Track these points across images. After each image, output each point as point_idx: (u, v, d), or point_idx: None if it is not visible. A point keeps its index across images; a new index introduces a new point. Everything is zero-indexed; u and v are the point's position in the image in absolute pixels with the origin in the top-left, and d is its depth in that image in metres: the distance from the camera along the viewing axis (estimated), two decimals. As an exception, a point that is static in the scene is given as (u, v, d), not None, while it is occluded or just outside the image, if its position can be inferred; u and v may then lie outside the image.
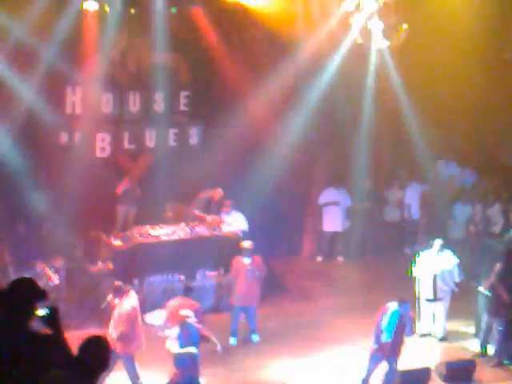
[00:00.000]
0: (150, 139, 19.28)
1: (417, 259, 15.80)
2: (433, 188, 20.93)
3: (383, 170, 21.43)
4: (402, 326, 13.11)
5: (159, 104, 19.14)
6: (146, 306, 16.44)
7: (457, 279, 15.58)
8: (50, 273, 15.68)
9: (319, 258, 20.49)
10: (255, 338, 15.44)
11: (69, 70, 17.50)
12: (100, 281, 16.19)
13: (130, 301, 13.11)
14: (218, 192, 18.32)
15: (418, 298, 15.61)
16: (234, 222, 17.95)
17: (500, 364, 14.54)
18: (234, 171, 18.49)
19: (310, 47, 19.21)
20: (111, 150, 18.80)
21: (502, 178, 20.68)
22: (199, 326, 12.54)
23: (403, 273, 16.54)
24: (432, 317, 15.76)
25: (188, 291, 14.03)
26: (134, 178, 18.51)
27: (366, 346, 13.41)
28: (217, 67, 18.85)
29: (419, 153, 20.47)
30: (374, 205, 21.02)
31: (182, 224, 17.78)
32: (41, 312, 5.80)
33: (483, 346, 14.88)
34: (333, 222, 20.27)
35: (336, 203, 20.19)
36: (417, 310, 15.46)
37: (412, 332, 14.22)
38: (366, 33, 19.38)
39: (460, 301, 15.73)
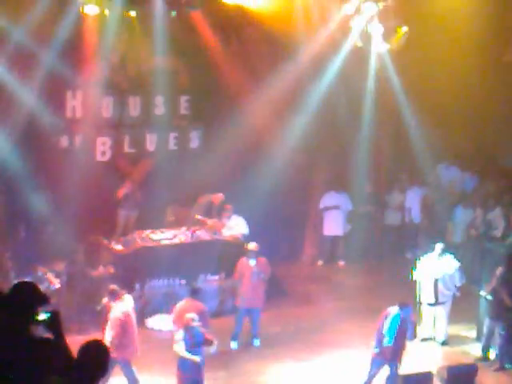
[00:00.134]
0: (151, 143, 19.29)
1: (418, 263, 15.78)
2: (434, 192, 20.89)
3: (384, 173, 21.41)
4: (404, 330, 13.10)
5: (159, 108, 19.15)
6: (148, 310, 16.47)
7: (458, 283, 15.55)
8: (51, 277, 15.67)
9: (320, 262, 20.47)
10: (256, 342, 15.43)
11: (69, 73, 17.49)
12: (101, 285, 16.14)
13: (124, 305, 13.07)
14: (219, 196, 18.31)
15: (420, 302, 15.58)
16: (235, 226, 17.93)
17: (502, 368, 14.52)
18: (235, 175, 18.48)
19: (309, 50, 19.20)
20: (112, 153, 18.80)
21: (503, 182, 20.64)
22: (203, 329, 12.52)
23: (404, 277, 16.51)
24: (433, 321, 15.73)
25: (195, 293, 13.99)
26: (134, 182, 18.49)
27: (368, 350, 13.39)
28: (217, 71, 18.84)
29: (420, 156, 20.45)
30: (375, 209, 21.00)
31: (183, 228, 17.78)
32: (42, 316, 5.78)
33: (485, 350, 14.87)
34: (334, 226, 20.27)
35: (337, 207, 20.19)
36: (418, 314, 15.43)
37: (413, 336, 14.23)
38: (366, 36, 19.39)
39: (461, 305, 15.72)
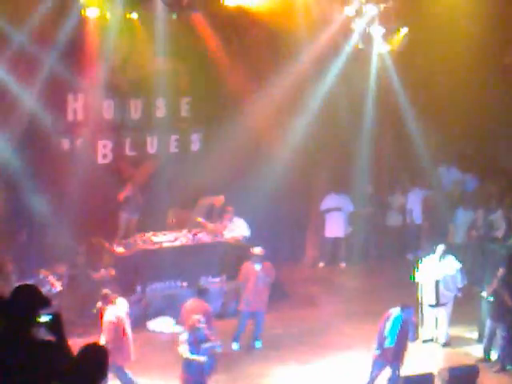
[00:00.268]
0: (152, 146, 19.29)
1: (419, 265, 15.78)
2: (436, 193, 20.87)
3: (385, 175, 21.40)
4: (405, 332, 13.10)
5: (160, 110, 19.16)
6: (149, 312, 16.47)
7: (459, 284, 15.56)
8: (53, 280, 15.67)
9: (321, 264, 20.47)
10: (258, 344, 15.43)
11: (70, 76, 17.50)
12: (103, 287, 16.15)
13: (116, 309, 13.07)
14: (220, 198, 18.32)
15: (421, 304, 15.58)
16: (236, 229, 17.94)
17: (503, 369, 14.52)
18: (236, 177, 18.47)
19: (311, 52, 19.21)
20: (113, 156, 18.81)
21: (504, 183, 20.64)
22: (208, 332, 12.52)
23: (406, 278, 16.52)
24: (435, 322, 15.73)
25: (201, 293, 13.99)
26: (135, 185, 18.49)
27: (370, 351, 13.38)
28: (218, 73, 18.84)
29: (421, 158, 20.45)
30: (376, 210, 21.00)
31: (185, 230, 17.78)
32: (44, 319, 5.78)
33: (486, 351, 14.86)
34: (335, 227, 20.26)
35: (338, 209, 20.18)
36: (420, 315, 15.43)
37: (415, 337, 14.23)
38: (367, 37, 19.40)
39: (463, 306, 15.71)
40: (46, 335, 5.84)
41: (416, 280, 15.71)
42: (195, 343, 12.29)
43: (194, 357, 12.25)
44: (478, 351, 15.14)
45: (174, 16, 17.61)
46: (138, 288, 16.68)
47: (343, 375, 14.17)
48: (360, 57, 19.60)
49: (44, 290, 14.08)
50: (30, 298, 5.91)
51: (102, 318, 13.12)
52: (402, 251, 20.72)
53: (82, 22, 17.13)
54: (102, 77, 18.02)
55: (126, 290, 16.48)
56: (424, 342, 15.65)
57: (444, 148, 21.12)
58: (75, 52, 17.35)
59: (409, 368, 13.39)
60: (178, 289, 16.95)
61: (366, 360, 13.51)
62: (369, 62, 19.78)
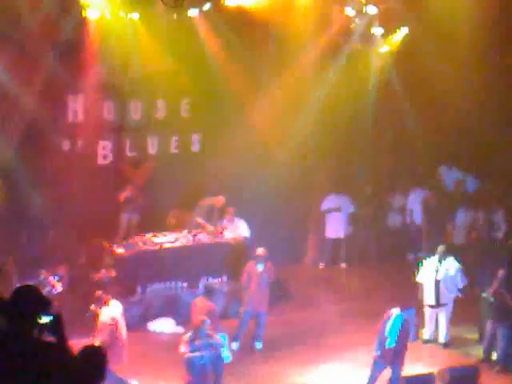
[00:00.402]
0: (152, 146, 19.30)
1: (420, 265, 15.79)
2: (437, 193, 20.85)
3: (385, 175, 21.39)
4: (405, 332, 13.10)
5: (161, 111, 19.17)
6: (149, 313, 16.47)
7: (460, 285, 15.55)
8: (54, 281, 15.68)
9: (322, 265, 20.46)
10: (258, 344, 15.43)
11: (70, 77, 17.50)
12: (103, 288, 16.15)
13: (111, 311, 13.07)
14: (220, 199, 18.31)
15: (422, 304, 15.58)
16: (237, 229, 17.95)
17: (504, 370, 14.50)
18: (236, 178, 18.48)
19: (311, 52, 19.23)
20: (113, 157, 18.81)
21: (505, 184, 20.63)
22: (212, 332, 12.52)
23: (406, 279, 16.53)
24: (435, 323, 15.73)
25: (208, 292, 13.98)
26: (136, 186, 18.49)
27: (371, 352, 13.37)
28: (218, 73, 18.84)
29: (421, 158, 20.45)
30: (377, 211, 20.99)
31: (185, 231, 17.77)
32: (44, 319, 5.78)
33: (487, 352, 14.85)
34: (335, 228, 20.25)
35: (338, 209, 20.17)
36: (420, 316, 15.42)
37: (416, 338, 14.23)
38: (367, 38, 19.42)
39: (463, 307, 15.70)
40: (46, 336, 5.84)
41: (417, 280, 15.71)
42: (197, 343, 12.28)
43: (194, 355, 12.22)
44: (478, 352, 15.12)
45: (174, 16, 17.61)
46: (139, 289, 16.69)
47: (343, 376, 14.16)
48: (360, 57, 19.62)
49: (44, 290, 14.09)
50: (31, 299, 5.90)
51: (96, 320, 13.14)
52: (402, 252, 20.69)
53: (83, 23, 17.14)
54: (102, 78, 18.03)
55: (127, 291, 16.51)
56: (424, 342, 15.66)
57: (444, 148, 21.10)
58: (75, 53, 17.34)
59: (409, 368, 13.39)
60: (179, 290, 16.95)
61: (367, 360, 13.50)
62: (369, 63, 19.80)
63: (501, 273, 14.64)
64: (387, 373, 13.15)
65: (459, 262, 15.69)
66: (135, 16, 17.61)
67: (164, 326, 16.27)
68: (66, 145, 18.20)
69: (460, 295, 15.57)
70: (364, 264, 20.23)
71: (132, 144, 19.07)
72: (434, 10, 19.43)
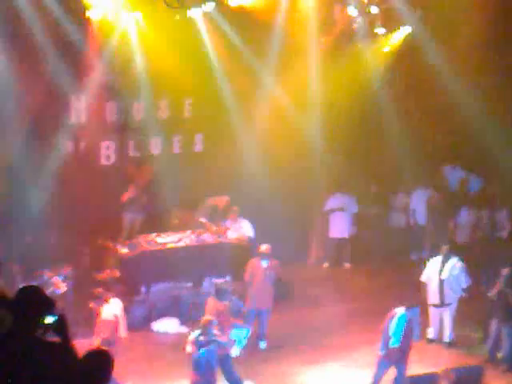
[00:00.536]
0: (155, 147, 19.31)
1: (425, 265, 15.79)
2: (441, 193, 20.82)
3: (389, 175, 21.36)
4: (410, 331, 13.09)
5: (163, 111, 19.16)
6: (153, 313, 16.46)
7: (464, 285, 15.53)
8: (57, 281, 15.68)
9: (326, 265, 20.45)
10: (263, 344, 15.42)
11: (73, 78, 17.50)
12: (107, 289, 16.15)
13: (112, 308, 13.10)
14: (224, 199, 18.31)
15: (426, 304, 15.56)
16: (240, 229, 17.94)
17: (509, 370, 14.47)
18: (239, 178, 18.48)
19: (314, 52, 19.22)
20: (116, 157, 18.81)
21: (509, 183, 20.58)
22: (219, 332, 12.50)
23: (410, 278, 16.52)
24: (440, 322, 15.71)
25: (218, 293, 13.94)
26: (139, 186, 18.50)
27: (375, 351, 13.36)
28: (221, 74, 18.84)
29: (425, 158, 20.42)
30: (380, 211, 20.97)
31: (189, 231, 17.76)
32: (48, 320, 5.78)
33: (492, 351, 14.82)
34: (339, 228, 20.23)
35: (342, 209, 20.14)
36: (424, 315, 15.40)
37: (420, 337, 14.21)
38: (369, 37, 19.43)
39: (468, 306, 15.69)
40: (50, 336, 5.84)
41: (421, 280, 15.70)
42: (204, 343, 12.25)
43: (200, 352, 12.20)
44: (483, 351, 15.08)
45: (177, 17, 17.61)
46: (143, 289, 16.69)
47: (348, 375, 14.15)
48: (362, 57, 19.61)
49: (48, 291, 14.08)
50: (35, 300, 5.90)
51: (96, 317, 13.15)
52: (406, 252, 20.67)
53: (85, 23, 17.14)
54: (104, 78, 18.03)
55: (131, 291, 16.51)
56: (429, 341, 15.63)
57: (448, 148, 21.08)
58: (78, 53, 17.37)
59: (414, 368, 13.38)
60: (183, 289, 16.94)
61: (371, 360, 13.49)
62: (371, 62, 19.78)
63: (505, 272, 14.61)
64: (392, 372, 13.13)
65: (463, 262, 15.66)
66: (138, 16, 17.60)
67: (168, 325, 16.26)
68: (69, 145, 18.21)
69: (464, 295, 15.55)
70: (368, 264, 20.21)
71: (135, 144, 19.09)
72: (435, 9, 19.43)
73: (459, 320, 15.69)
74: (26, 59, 16.89)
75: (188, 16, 17.67)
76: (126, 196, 18.23)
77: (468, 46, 19.52)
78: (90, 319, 13.99)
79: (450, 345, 15.61)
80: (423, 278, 15.71)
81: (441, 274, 15.45)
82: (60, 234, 17.02)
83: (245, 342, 14.71)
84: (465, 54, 19.63)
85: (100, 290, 13.56)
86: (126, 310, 15.47)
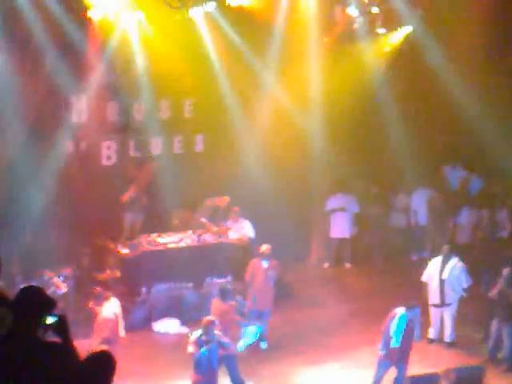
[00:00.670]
0: (156, 147, 19.30)
1: (425, 265, 15.80)
2: (442, 193, 20.81)
3: (390, 176, 21.35)
4: (410, 331, 13.10)
5: (164, 112, 19.17)
6: (154, 313, 16.47)
7: (464, 285, 15.53)
8: (58, 281, 15.69)
9: (327, 265, 20.44)
10: (263, 344, 15.42)
11: (74, 78, 17.50)
12: (108, 289, 16.16)
13: (112, 307, 13.11)
14: (224, 199, 18.32)
15: (426, 304, 15.56)
16: (241, 230, 17.94)
17: (510, 369, 14.48)
18: (239, 178, 18.47)
19: (315, 52, 19.22)
20: (117, 157, 18.81)
21: (510, 183, 20.59)
22: (220, 333, 12.50)
23: (411, 278, 16.53)
24: (440, 322, 15.71)
25: (222, 294, 13.90)
26: (140, 186, 18.49)
27: (376, 352, 13.36)
28: (221, 74, 18.83)
29: (425, 158, 20.41)
30: (381, 211, 20.96)
31: (189, 232, 17.77)
32: (49, 320, 5.78)
33: (492, 351, 14.82)
34: (340, 228, 20.21)
35: (343, 209, 20.13)
36: (425, 315, 15.40)
37: (421, 337, 14.21)
38: (370, 37, 19.43)
39: (468, 306, 15.69)
40: (51, 337, 5.84)
41: (421, 280, 15.71)
42: (205, 343, 12.25)
43: (201, 351, 12.20)
44: (483, 351, 15.09)
45: (178, 17, 17.61)
46: (143, 289, 16.69)
47: (348, 376, 14.15)
48: (363, 57, 19.61)
49: (49, 291, 14.08)
50: (35, 300, 5.90)
51: (95, 317, 13.15)
52: (406, 252, 20.67)
53: (86, 23, 17.13)
54: (105, 78, 18.03)
55: (131, 292, 16.52)
56: (429, 342, 15.64)
57: (448, 148, 21.07)
58: (79, 53, 17.36)
59: (414, 368, 13.38)
60: (183, 290, 16.95)
61: (372, 360, 13.49)
62: (372, 62, 19.78)
63: (505, 272, 14.61)
64: (392, 372, 13.13)
65: (464, 262, 15.66)
66: (139, 17, 17.60)
67: (169, 326, 16.27)
68: (69, 145, 18.20)
69: (465, 295, 15.55)
70: (369, 264, 20.23)
71: (136, 144, 19.08)
72: (436, 9, 19.43)
73: (460, 320, 15.70)
74: (27, 59, 16.89)
75: (189, 16, 17.67)
76: (127, 196, 18.21)
77: (469, 46, 19.53)
78: (91, 319, 13.98)
79: (451, 345, 15.62)
80: (424, 278, 15.72)
81: (441, 274, 15.45)
82: (60, 234, 17.01)
83: (256, 337, 14.74)
84: (465, 54, 19.64)
85: (99, 288, 13.55)
86: (127, 310, 15.52)
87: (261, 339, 15.42)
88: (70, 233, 16.95)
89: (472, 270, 15.92)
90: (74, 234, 17.01)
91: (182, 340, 14.30)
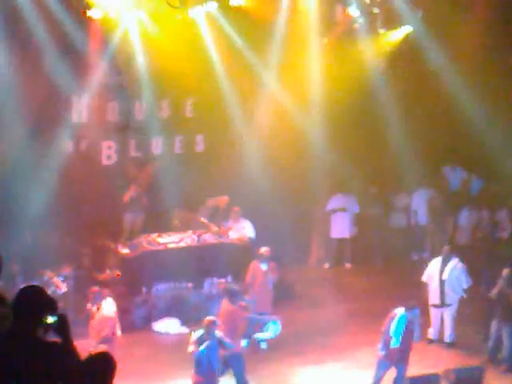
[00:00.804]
0: (156, 147, 19.30)
1: (425, 265, 15.80)
2: (442, 193, 20.82)
3: (390, 176, 21.35)
4: (410, 332, 13.09)
5: (165, 111, 19.17)
6: (154, 313, 16.47)
7: (464, 285, 15.53)
8: (58, 281, 15.69)
9: (327, 265, 20.45)
10: (264, 345, 15.40)
11: (74, 78, 17.51)
12: (106, 288, 16.16)
13: (110, 305, 13.13)
14: (224, 199, 18.32)
15: (426, 304, 15.56)
16: (242, 230, 17.94)
17: (509, 370, 14.47)
18: (240, 178, 18.48)
19: (315, 52, 19.23)
20: (118, 157, 18.81)
21: (510, 184, 20.58)
22: (221, 334, 12.49)
23: (411, 279, 16.53)
24: (440, 323, 15.71)
25: (232, 294, 13.81)
26: (140, 186, 18.49)
27: (375, 352, 13.36)
28: (222, 74, 18.84)
29: (425, 159, 20.41)
30: (381, 211, 20.96)
31: (190, 232, 17.77)
32: (50, 319, 5.78)
33: (492, 351, 14.82)
34: (340, 228, 20.22)
35: (343, 209, 20.14)
36: (425, 315, 15.40)
37: (421, 338, 14.21)
38: (370, 37, 19.44)
39: (468, 307, 15.69)
40: (51, 336, 5.84)
41: (421, 280, 15.71)
42: (206, 343, 12.24)
43: (200, 349, 12.18)
44: (483, 352, 15.08)
45: (179, 17, 17.62)
46: (144, 289, 16.69)
47: (348, 376, 14.15)
48: (363, 57, 19.62)
49: (49, 291, 14.07)
50: (36, 300, 5.91)
51: (93, 317, 13.15)
52: (407, 252, 20.67)
53: (87, 22, 17.14)
54: (106, 78, 18.04)
55: (131, 292, 16.52)
56: (429, 342, 15.64)
57: (449, 148, 21.07)
58: (79, 53, 17.37)
59: (414, 368, 13.38)
60: (184, 290, 16.95)
61: (372, 360, 13.49)
62: (373, 62, 19.79)
63: (505, 272, 14.61)
64: (392, 373, 13.13)
65: (463, 262, 15.66)
66: (139, 16, 17.61)
67: (169, 326, 16.27)
68: (70, 145, 18.20)
69: (464, 295, 15.55)
70: (369, 264, 20.23)
71: (136, 144, 19.08)
72: (436, 9, 19.43)
73: (460, 320, 15.69)
74: (27, 59, 16.91)
75: (190, 16, 17.68)
76: (127, 196, 18.22)
77: (469, 46, 19.53)
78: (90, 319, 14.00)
79: (451, 345, 15.62)
80: (424, 278, 15.72)
81: (442, 274, 15.45)
82: (61, 234, 17.03)
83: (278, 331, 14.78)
84: (466, 54, 19.64)
85: (97, 288, 13.54)
86: (127, 310, 15.54)
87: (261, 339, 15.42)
88: (70, 232, 16.96)
89: (472, 270, 15.91)
90: (74, 233, 17.03)
91: (182, 340, 14.32)
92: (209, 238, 17.60)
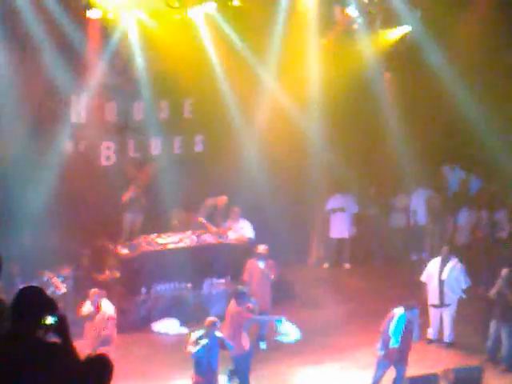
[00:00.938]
0: (155, 147, 19.30)
1: (424, 265, 15.80)
2: (441, 194, 20.82)
3: (389, 176, 21.36)
4: (409, 332, 13.10)
5: (164, 112, 19.16)
6: (154, 314, 16.47)
7: (463, 285, 15.54)
8: (58, 282, 15.69)
9: (326, 265, 20.45)
10: (263, 345, 15.41)
11: (73, 78, 17.51)
12: (107, 289, 16.17)
13: (109, 305, 13.15)
14: (223, 199, 18.32)
15: (426, 304, 15.57)
16: (241, 230, 17.95)
17: (508, 370, 14.48)
18: (239, 178, 18.48)
19: (314, 53, 19.24)
20: (117, 158, 18.80)
21: (509, 184, 20.59)
22: (221, 334, 12.48)
23: (410, 279, 16.53)
24: (439, 323, 15.72)
25: (239, 296, 13.74)
26: (139, 186, 18.48)
27: (375, 352, 13.37)
28: (221, 74, 18.84)
29: (424, 159, 20.42)
30: (380, 211, 20.97)
31: (189, 232, 17.78)
32: (49, 320, 5.78)
33: (491, 351, 14.83)
34: (340, 228, 20.23)
35: (342, 209, 20.14)
36: (424, 315, 15.41)
37: (420, 337, 14.22)
38: (369, 37, 19.44)
39: (467, 307, 15.69)
40: (51, 337, 5.84)
41: (420, 280, 15.72)
42: (206, 344, 12.23)
43: (198, 347, 12.17)
44: (482, 352, 15.09)
45: (178, 17, 17.62)
46: (143, 290, 16.69)
47: (347, 376, 14.16)
48: (362, 57, 19.62)
49: (48, 291, 14.07)
50: (35, 300, 5.91)
51: (93, 318, 13.15)
52: (405, 252, 20.67)
53: (85, 22, 17.14)
54: (105, 78, 18.04)
55: (131, 292, 16.52)
56: (429, 342, 15.64)
57: (448, 148, 21.08)
58: (78, 53, 17.36)
59: (413, 368, 13.39)
60: (183, 290, 16.95)
61: (371, 360, 13.49)
62: (372, 62, 19.79)
63: (504, 272, 14.62)
64: (391, 373, 13.14)
65: (462, 262, 15.67)
66: (138, 16, 17.61)
67: (168, 326, 16.27)
68: (69, 145, 18.20)
69: (463, 295, 15.55)
70: (368, 264, 20.24)
71: (135, 144, 19.07)
72: (436, 8, 19.44)
73: (459, 320, 15.70)
74: (26, 59, 16.90)
75: (188, 16, 17.68)
76: (126, 196, 18.21)
77: (468, 46, 19.53)
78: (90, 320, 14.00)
79: (450, 345, 15.62)
80: (423, 278, 15.73)
81: (441, 274, 15.46)
82: (60, 235, 17.00)
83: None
84: (465, 54, 19.64)
85: (96, 289, 13.54)
86: (127, 310, 15.54)
87: (260, 339, 15.42)
88: (70, 233, 16.94)
89: (471, 270, 15.92)
90: (73, 234, 17.00)
91: (181, 340, 14.32)
92: (208, 239, 17.61)
